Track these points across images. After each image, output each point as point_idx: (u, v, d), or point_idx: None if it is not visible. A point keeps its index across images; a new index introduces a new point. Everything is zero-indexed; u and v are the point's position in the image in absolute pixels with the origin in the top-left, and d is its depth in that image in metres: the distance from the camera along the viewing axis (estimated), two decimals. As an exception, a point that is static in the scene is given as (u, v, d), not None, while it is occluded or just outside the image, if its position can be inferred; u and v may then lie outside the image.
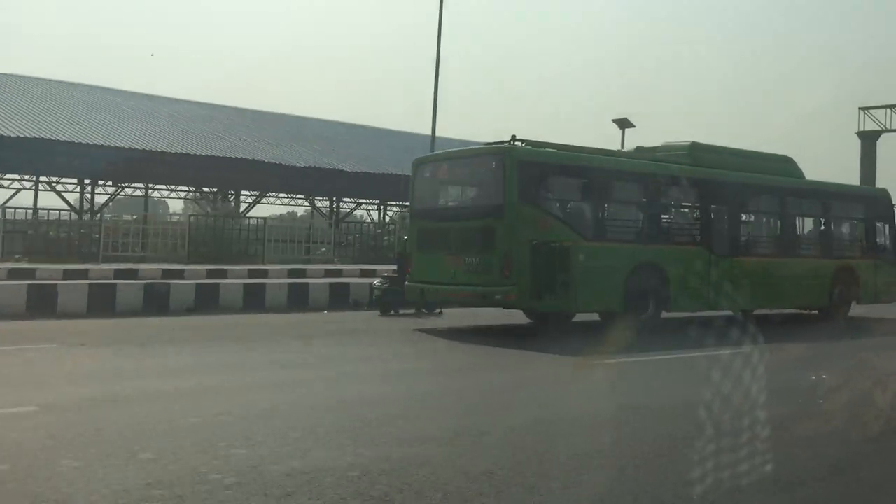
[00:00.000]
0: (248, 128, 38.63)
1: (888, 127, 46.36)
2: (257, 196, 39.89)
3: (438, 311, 13.32)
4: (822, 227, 17.32)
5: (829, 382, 9.04)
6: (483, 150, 13.43)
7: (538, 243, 12.30)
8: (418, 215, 14.18)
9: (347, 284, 18.09)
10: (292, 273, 23.47)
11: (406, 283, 14.03)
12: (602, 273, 13.08)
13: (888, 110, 46.42)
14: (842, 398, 8.10)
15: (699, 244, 14.66)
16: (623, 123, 27.00)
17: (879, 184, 40.18)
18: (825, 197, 17.30)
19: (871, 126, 46.51)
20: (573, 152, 13.45)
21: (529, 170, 12.50)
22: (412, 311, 15.11)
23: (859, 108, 46.89)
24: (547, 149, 13.20)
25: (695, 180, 14.75)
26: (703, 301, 14.55)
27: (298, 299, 16.52)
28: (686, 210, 15.37)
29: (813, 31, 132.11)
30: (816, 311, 17.21)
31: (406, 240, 14.93)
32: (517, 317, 14.40)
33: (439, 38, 26.10)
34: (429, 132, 27.23)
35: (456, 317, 14.51)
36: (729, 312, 15.90)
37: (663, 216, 14.70)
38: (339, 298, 17.02)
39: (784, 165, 16.90)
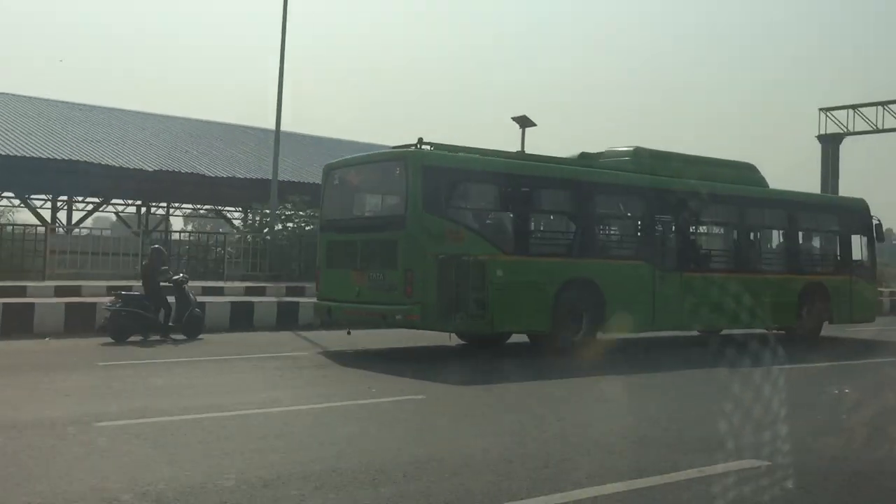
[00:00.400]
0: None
1: (851, 129, 42.91)
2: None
3: (347, 331, 12.22)
4: (789, 241, 16.12)
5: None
6: (386, 155, 12.37)
7: (446, 257, 11.19)
8: (327, 227, 13.11)
9: (92, 305, 14.12)
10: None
11: (315, 300, 12.96)
12: (525, 290, 11.96)
13: (851, 111, 42.95)
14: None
15: (642, 259, 13.51)
16: (523, 122, 25.40)
17: (843, 192, 38.47)
18: (792, 207, 16.13)
19: (832, 129, 43.21)
20: (489, 157, 12.38)
21: (437, 176, 11.42)
22: (158, 336, 13.00)
23: (819, 110, 43.57)
24: (460, 153, 12.14)
25: (635, 189, 13.66)
26: (646, 321, 13.38)
27: (20, 323, 13.13)
28: (626, 221, 14.26)
29: (768, 28, 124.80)
30: (784, 332, 15.99)
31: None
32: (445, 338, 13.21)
33: (284, 25, 25.05)
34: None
35: (364, 337, 13.22)
36: (678, 333, 14.82)
37: (598, 228, 13.57)
38: (80, 321, 13.54)
39: (745, 173, 15.76)
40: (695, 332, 15.28)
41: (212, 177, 32.16)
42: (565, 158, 14.22)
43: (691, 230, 14.77)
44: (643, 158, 14.08)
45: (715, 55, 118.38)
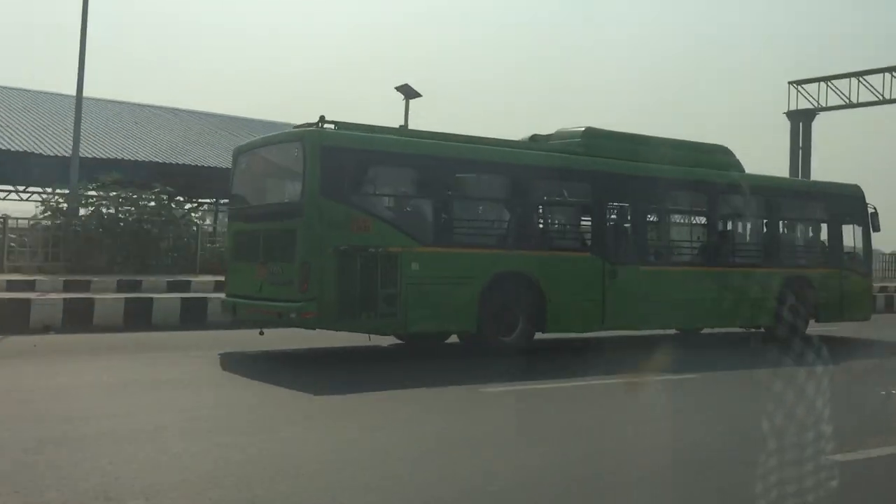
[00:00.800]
0: None
1: (823, 104, 38.39)
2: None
3: (260, 331, 11.12)
4: (767, 231, 14.76)
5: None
6: (286, 136, 11.18)
7: (349, 249, 10.05)
8: (234, 216, 12.02)
9: None
10: None
11: (223, 297, 11.90)
12: (445, 286, 10.78)
13: (823, 84, 38.36)
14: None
15: (590, 251, 12.27)
16: (406, 91, 23.61)
17: (816, 176, 35.29)
18: (771, 194, 14.75)
19: (803, 104, 38.87)
20: (404, 137, 11.20)
21: (339, 158, 10.25)
22: None
23: (789, 83, 39.22)
24: (369, 133, 10.95)
25: (580, 173, 12.40)
26: (595, 320, 12.14)
27: None
28: (570, 210, 12.99)
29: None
30: (763, 330, 14.68)
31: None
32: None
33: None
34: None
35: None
36: (638, 332, 13.56)
37: (536, 217, 12.33)
38: None
39: (717, 157, 14.37)
40: (654, 332, 13.93)
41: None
42: (514, 141, 13.04)
43: (650, 220, 13.49)
44: (595, 139, 12.78)
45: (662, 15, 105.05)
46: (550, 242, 12.26)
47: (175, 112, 36.22)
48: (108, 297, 14.36)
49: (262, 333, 11.19)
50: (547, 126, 16.54)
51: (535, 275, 11.51)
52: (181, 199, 27.07)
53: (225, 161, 28.14)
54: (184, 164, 28.94)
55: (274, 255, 10.58)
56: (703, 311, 13.29)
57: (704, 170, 13.64)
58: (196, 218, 28.10)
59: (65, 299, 13.44)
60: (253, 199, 11.71)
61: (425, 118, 56.65)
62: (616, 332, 13.14)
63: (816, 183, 15.64)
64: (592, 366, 10.68)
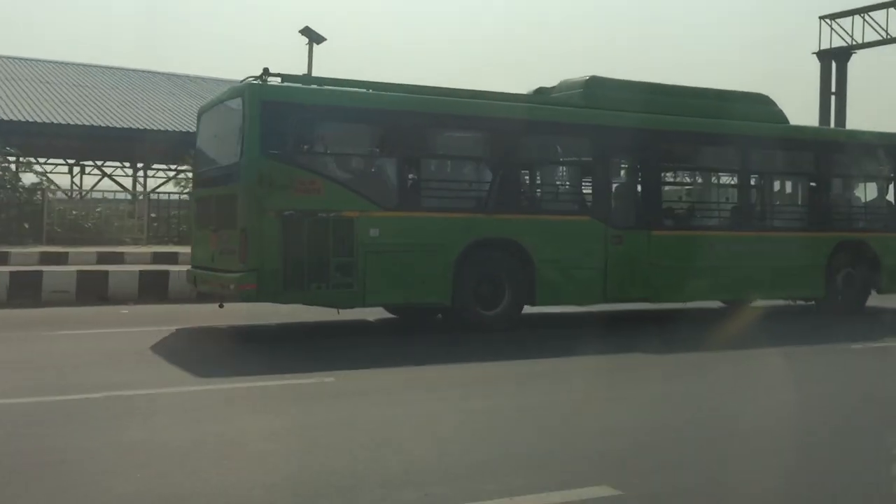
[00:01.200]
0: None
1: (860, 41, 32.25)
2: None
3: (220, 304, 10.39)
4: (814, 190, 13.05)
5: None
6: (229, 92, 10.33)
7: (294, 214, 9.19)
8: (196, 181, 11.32)
9: None
10: None
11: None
12: (411, 253, 9.80)
13: (859, 18, 32.20)
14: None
15: (588, 214, 11.02)
16: (310, 35, 21.76)
17: (852, 125, 30.91)
18: (820, 147, 13.06)
19: (837, 42, 32.96)
20: (361, 90, 10.17)
21: (282, 113, 9.33)
22: None
23: (820, 18, 33.35)
24: (318, 86, 10.00)
25: (578, 127, 11.12)
26: (596, 291, 10.90)
27: None
28: (565, 168, 11.74)
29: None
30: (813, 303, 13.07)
31: None
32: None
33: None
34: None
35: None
36: (638, 306, 12.09)
37: (522, 177, 11.11)
38: None
39: (755, 106, 12.74)
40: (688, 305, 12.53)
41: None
42: (516, 95, 11.85)
43: (664, 180, 12.05)
44: (599, 90, 11.44)
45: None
46: (541, 205, 11.09)
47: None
48: None
49: (221, 306, 10.48)
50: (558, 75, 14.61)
51: (523, 241, 10.38)
52: (34, 160, 25.72)
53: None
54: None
55: (222, 223, 9.83)
56: (734, 281, 11.82)
57: (733, 121, 12.10)
58: (47, 184, 26.80)
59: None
60: (207, 163, 10.97)
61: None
62: (629, 306, 11.83)
63: (876, 134, 13.74)
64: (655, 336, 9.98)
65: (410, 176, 10.09)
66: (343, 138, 10.35)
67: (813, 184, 13.01)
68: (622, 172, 11.84)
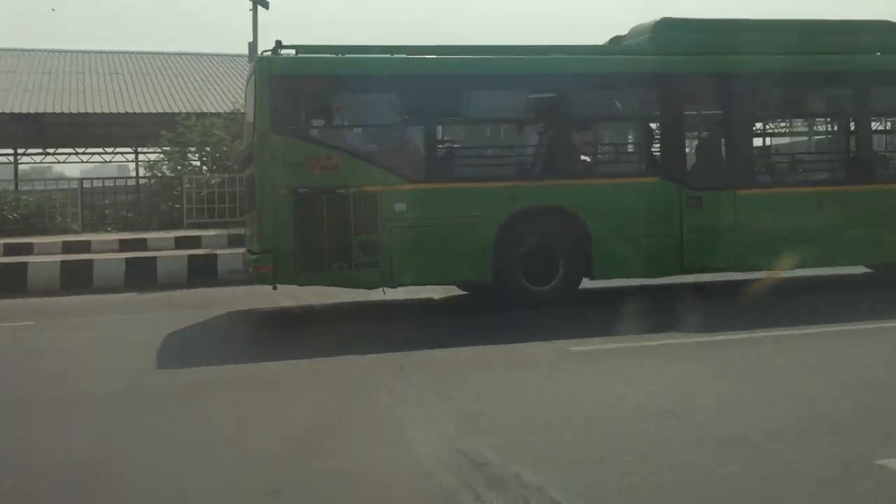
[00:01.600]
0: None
1: None
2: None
3: (273, 286, 10.00)
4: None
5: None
6: (250, 68, 10.01)
7: (309, 192, 8.77)
8: (239, 161, 11.07)
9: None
10: None
11: None
12: (444, 227, 9.10)
13: None
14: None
15: (659, 175, 9.80)
16: None
17: None
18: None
19: None
20: (380, 56, 9.47)
21: (293, 87, 8.89)
22: None
23: None
24: (332, 55, 9.41)
25: (640, 77, 9.90)
26: (669, 261, 9.71)
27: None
28: (627, 125, 10.50)
29: None
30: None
31: None
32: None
33: None
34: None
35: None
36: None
37: (576, 138, 9.96)
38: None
39: (877, 37, 10.82)
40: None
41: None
42: (591, 46, 10.74)
43: (754, 130, 10.52)
44: (671, 33, 10.08)
45: None
46: (597, 168, 10.01)
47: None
48: None
49: (275, 288, 10.09)
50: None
51: (576, 209, 9.40)
52: None
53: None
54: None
55: (250, 204, 9.63)
56: (827, 243, 10.09)
57: (845, 55, 10.33)
58: None
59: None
60: (246, 141, 10.76)
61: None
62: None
63: None
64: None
65: (440, 145, 9.40)
66: (362, 109, 9.80)
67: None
68: (700, 125, 10.48)
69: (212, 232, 17.32)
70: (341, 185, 8.85)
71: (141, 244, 16.38)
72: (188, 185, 20.10)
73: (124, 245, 16.34)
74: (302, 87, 9.00)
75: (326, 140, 9.13)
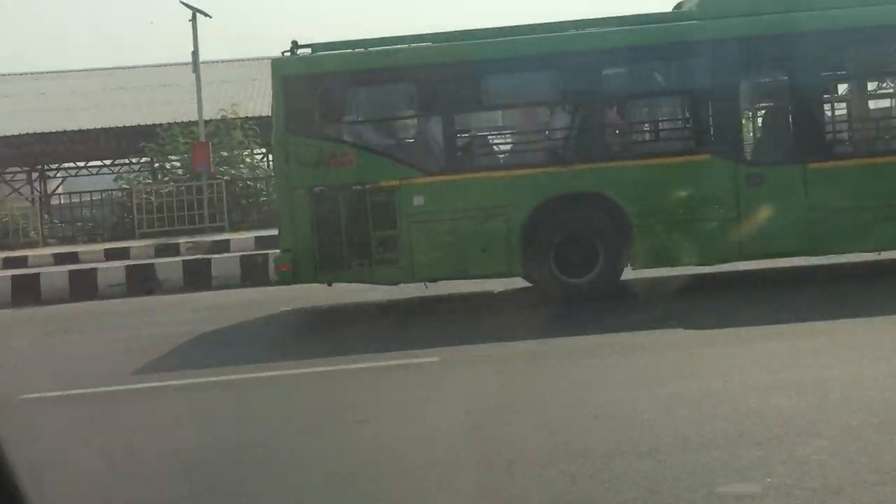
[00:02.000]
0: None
1: None
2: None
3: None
4: None
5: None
6: None
7: (325, 189, 8.72)
8: None
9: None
10: None
11: None
12: (466, 220, 8.75)
13: None
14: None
15: (707, 150, 8.89)
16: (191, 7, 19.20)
17: None
18: None
19: None
20: (390, 48, 9.13)
21: (305, 86, 8.81)
22: None
23: None
24: (345, 50, 9.23)
25: (684, 45, 9.02)
26: (726, 246, 8.79)
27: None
28: (670, 99, 9.59)
29: None
30: None
31: None
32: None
33: None
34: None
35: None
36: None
37: (609, 116, 9.12)
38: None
39: None
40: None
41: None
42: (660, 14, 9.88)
43: (823, 96, 9.22)
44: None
45: None
46: (637, 148, 9.31)
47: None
48: None
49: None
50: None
51: (614, 194, 8.74)
52: None
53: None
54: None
55: None
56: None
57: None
58: None
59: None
60: None
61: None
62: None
63: None
64: None
65: (458, 134, 9.05)
66: (375, 103, 9.66)
67: None
68: (758, 95, 9.45)
69: (144, 242, 17.92)
70: (357, 181, 8.75)
71: (72, 257, 16.88)
72: (143, 196, 20.85)
73: (60, 259, 16.88)
74: (315, 85, 8.98)
75: (341, 136, 9.10)
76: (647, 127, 9.96)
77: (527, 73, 9.28)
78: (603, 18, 9.51)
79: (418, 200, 8.76)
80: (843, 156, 9.00)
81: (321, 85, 9.05)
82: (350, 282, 9.21)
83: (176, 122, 23.32)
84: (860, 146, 9.28)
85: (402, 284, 9.26)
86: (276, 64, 9.16)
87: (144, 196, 21.22)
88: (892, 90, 10.39)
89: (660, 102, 10.11)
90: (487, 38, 9.25)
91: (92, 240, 21.44)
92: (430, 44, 9.34)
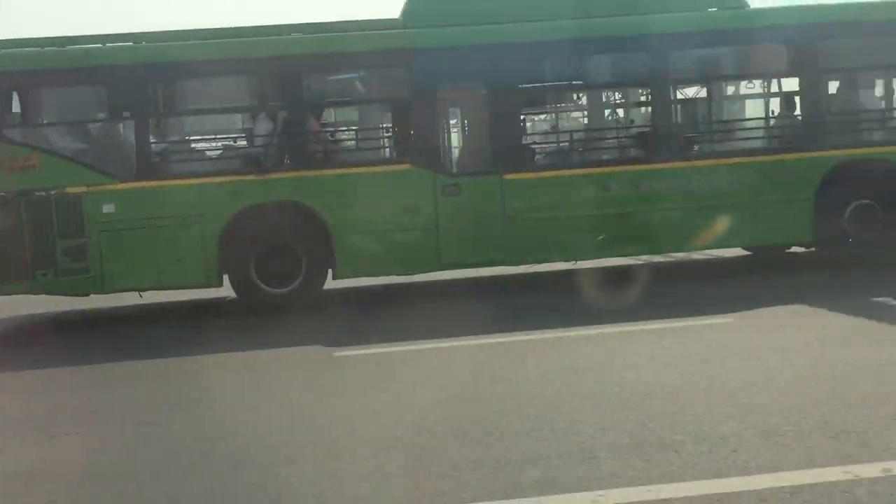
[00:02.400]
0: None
1: None
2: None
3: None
4: (789, 95, 9.79)
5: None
6: None
7: (5, 196, 8.42)
8: None
9: None
10: None
11: None
12: (159, 229, 8.63)
13: None
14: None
15: (409, 160, 9.04)
16: None
17: None
18: (798, 33, 9.47)
19: None
20: (81, 47, 8.85)
21: None
22: None
23: None
24: (20, 48, 8.89)
25: (387, 54, 9.08)
26: (425, 256, 9.01)
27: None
28: (375, 108, 9.74)
29: None
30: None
31: None
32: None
33: None
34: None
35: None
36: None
37: (307, 124, 9.14)
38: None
39: None
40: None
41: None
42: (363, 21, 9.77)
43: (520, 106, 9.50)
44: (425, 3, 9.22)
45: None
46: (337, 157, 9.36)
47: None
48: None
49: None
50: None
51: (314, 204, 8.78)
52: None
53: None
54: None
55: None
56: (663, 230, 9.17)
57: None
58: None
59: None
60: None
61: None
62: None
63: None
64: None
65: (152, 140, 8.88)
66: (63, 105, 9.34)
67: (790, 85, 9.83)
68: (457, 106, 9.74)
69: None
70: (41, 186, 8.47)
71: None
72: None
73: None
74: (-1, 85, 8.61)
75: (21, 139, 8.74)
76: (347, 136, 10.04)
77: (221, 77, 9.17)
78: (314, 24, 9.48)
79: (108, 208, 8.57)
80: (539, 167, 9.32)
81: (3, 84, 8.66)
82: (34, 293, 8.88)
83: None
84: (555, 158, 9.64)
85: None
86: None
87: None
88: (584, 105, 10.72)
89: (361, 111, 10.22)
90: (193, 39, 9.07)
91: None
92: (129, 44, 9.11)
